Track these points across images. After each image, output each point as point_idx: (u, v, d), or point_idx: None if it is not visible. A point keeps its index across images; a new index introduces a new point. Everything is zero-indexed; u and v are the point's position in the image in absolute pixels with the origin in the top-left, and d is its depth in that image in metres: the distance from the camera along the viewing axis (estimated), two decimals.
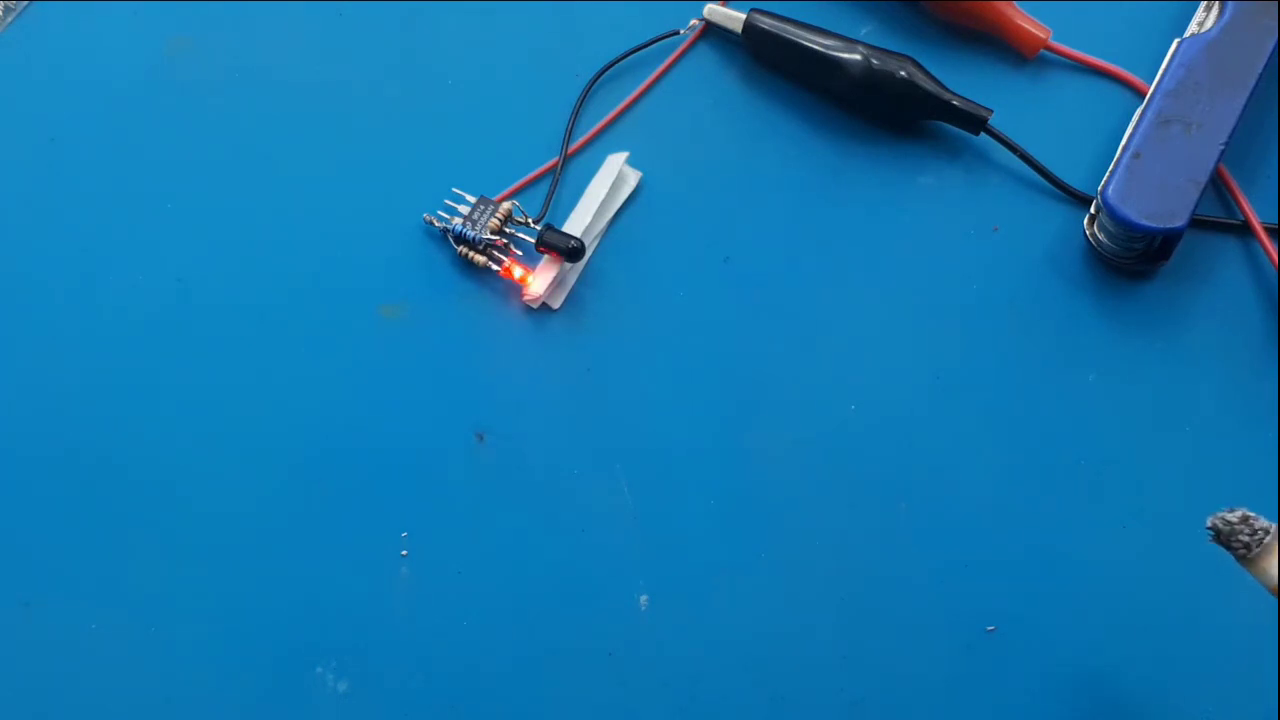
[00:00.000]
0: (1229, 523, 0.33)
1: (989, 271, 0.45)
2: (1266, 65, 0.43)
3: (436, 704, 0.41)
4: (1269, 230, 0.44)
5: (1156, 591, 0.41)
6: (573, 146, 0.47)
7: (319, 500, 0.43)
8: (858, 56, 0.45)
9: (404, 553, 0.42)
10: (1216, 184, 0.45)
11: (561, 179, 0.46)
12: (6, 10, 0.49)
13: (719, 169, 0.47)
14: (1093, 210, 0.45)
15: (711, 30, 0.48)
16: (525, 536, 0.42)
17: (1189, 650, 0.41)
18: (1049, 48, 0.47)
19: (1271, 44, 0.44)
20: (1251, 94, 0.43)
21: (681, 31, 0.48)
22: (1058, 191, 0.45)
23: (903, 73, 0.45)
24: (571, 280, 0.45)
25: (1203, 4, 0.46)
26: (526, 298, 0.44)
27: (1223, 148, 0.42)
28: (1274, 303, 0.44)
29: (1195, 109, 0.43)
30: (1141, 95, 0.45)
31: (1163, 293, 0.45)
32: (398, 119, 0.48)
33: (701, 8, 0.48)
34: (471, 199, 0.45)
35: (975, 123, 0.45)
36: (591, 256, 0.45)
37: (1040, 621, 0.41)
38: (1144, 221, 0.42)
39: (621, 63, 0.47)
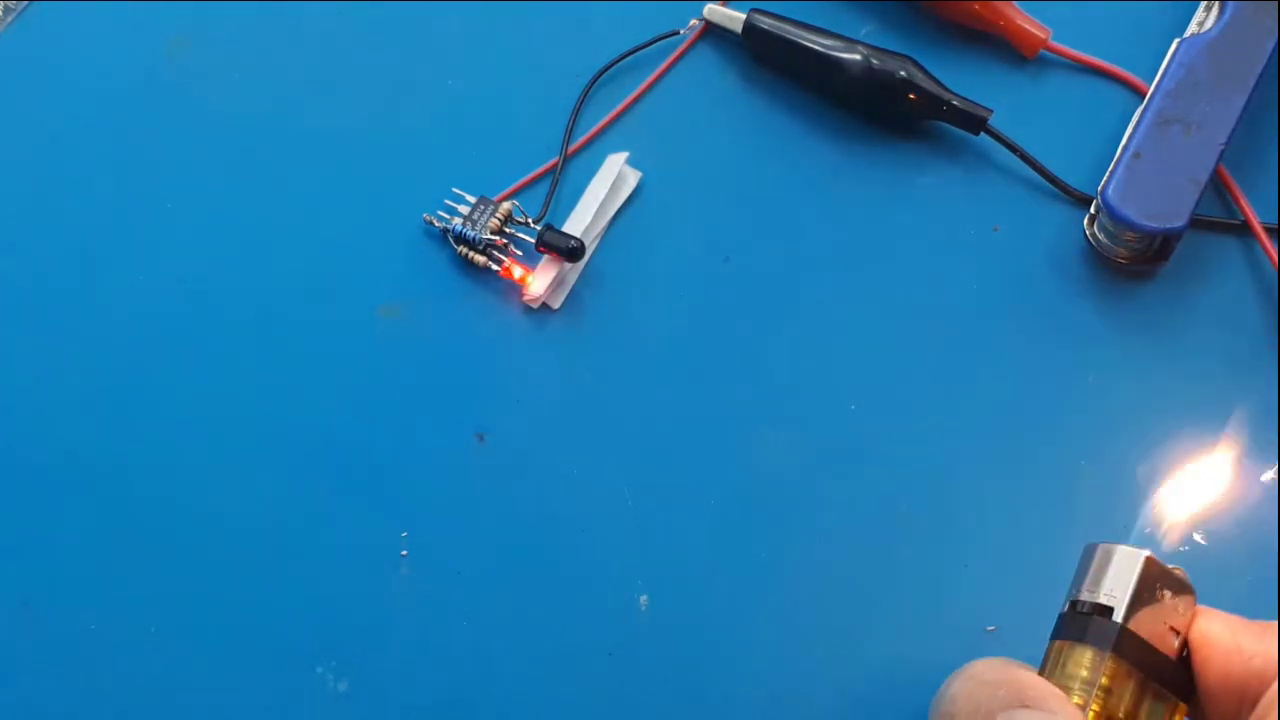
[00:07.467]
0: None
1: (989, 271, 0.45)
2: (1266, 65, 0.43)
3: (436, 704, 0.41)
4: (1269, 230, 0.44)
5: None
6: (573, 146, 0.47)
7: (319, 500, 0.43)
8: (858, 56, 0.45)
9: (404, 553, 0.42)
10: (1216, 184, 0.45)
11: (561, 179, 0.46)
12: (6, 10, 0.49)
13: (719, 169, 0.47)
14: (1093, 210, 0.45)
15: (711, 30, 0.48)
16: (525, 536, 0.42)
17: None
18: (1049, 48, 0.47)
19: (1271, 44, 0.44)
20: (1251, 94, 0.43)
21: (681, 31, 0.48)
22: (1058, 191, 0.45)
23: (903, 73, 0.45)
24: (571, 280, 0.45)
25: (1203, 4, 0.46)
26: (526, 298, 0.44)
27: (1223, 148, 0.42)
28: (1274, 303, 0.44)
29: (1195, 109, 0.43)
30: (1141, 95, 0.45)
31: (1163, 293, 0.45)
32: (398, 119, 0.48)
33: (701, 8, 0.48)
34: (471, 199, 0.45)
35: (975, 123, 0.45)
36: (591, 256, 0.45)
37: (1040, 621, 0.41)
38: (1144, 221, 0.42)
39: (621, 63, 0.47)
